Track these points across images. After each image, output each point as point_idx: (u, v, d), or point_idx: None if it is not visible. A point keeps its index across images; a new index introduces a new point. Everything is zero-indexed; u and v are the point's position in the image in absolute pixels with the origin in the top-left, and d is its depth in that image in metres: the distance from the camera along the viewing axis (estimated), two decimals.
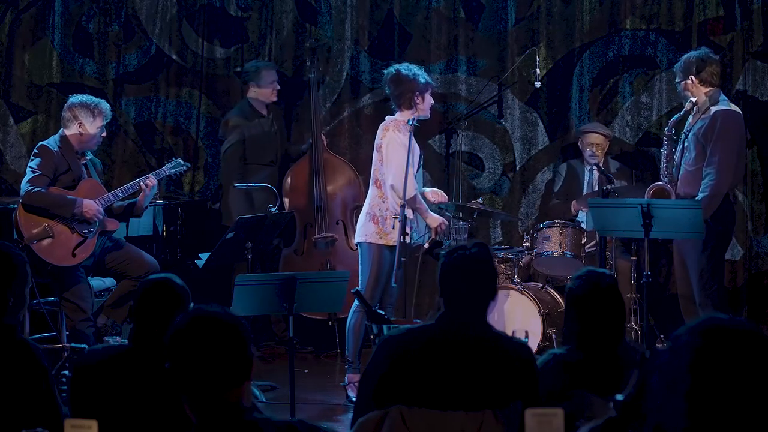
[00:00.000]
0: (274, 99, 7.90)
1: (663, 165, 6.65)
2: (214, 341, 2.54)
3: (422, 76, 6.46)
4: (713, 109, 6.41)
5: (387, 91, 6.56)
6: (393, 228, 6.26)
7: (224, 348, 2.54)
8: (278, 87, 7.89)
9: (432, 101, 6.55)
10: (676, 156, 6.62)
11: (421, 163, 6.65)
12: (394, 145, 6.31)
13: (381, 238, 6.34)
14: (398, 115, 6.46)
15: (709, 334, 2.07)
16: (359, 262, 6.48)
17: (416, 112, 6.41)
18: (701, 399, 2.01)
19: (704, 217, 6.21)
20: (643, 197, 6.64)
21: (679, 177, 6.56)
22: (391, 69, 6.54)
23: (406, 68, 6.49)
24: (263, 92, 7.83)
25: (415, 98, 6.40)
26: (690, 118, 6.55)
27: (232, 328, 2.58)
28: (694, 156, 6.45)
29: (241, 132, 7.77)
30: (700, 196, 6.35)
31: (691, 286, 6.57)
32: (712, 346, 2.05)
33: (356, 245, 6.58)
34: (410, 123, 6.26)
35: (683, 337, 2.09)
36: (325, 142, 7.81)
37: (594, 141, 7.62)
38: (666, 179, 6.62)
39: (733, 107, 6.51)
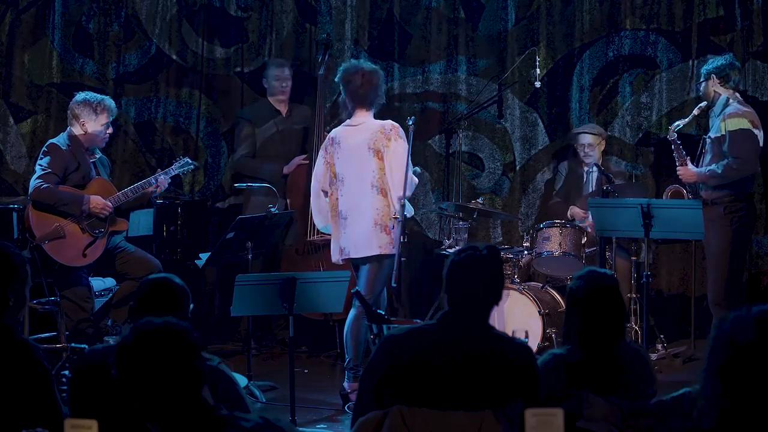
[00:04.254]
0: (281, 97, 7.90)
1: (678, 168, 6.78)
2: (162, 354, 2.54)
3: (378, 73, 6.25)
4: (727, 122, 6.54)
5: (355, 89, 6.17)
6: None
7: (173, 359, 2.54)
8: (285, 84, 7.88)
9: None
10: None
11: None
12: (400, 155, 6.08)
13: (394, 247, 6.07)
14: (363, 117, 6.21)
15: (760, 321, 2.07)
16: (367, 272, 6.15)
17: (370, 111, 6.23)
18: (736, 379, 2.01)
19: (711, 182, 6.55)
20: (642, 197, 6.70)
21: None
22: (357, 70, 6.21)
23: (362, 66, 6.26)
24: (271, 90, 7.87)
25: (379, 99, 6.23)
26: (711, 121, 6.70)
27: (179, 338, 2.57)
28: (710, 158, 6.60)
29: (253, 139, 7.81)
30: (715, 166, 6.54)
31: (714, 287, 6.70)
32: (760, 331, 2.05)
33: (364, 257, 6.16)
34: (411, 123, 6.23)
35: (730, 320, 2.09)
36: None
37: (585, 141, 7.61)
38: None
39: (745, 113, 6.61)
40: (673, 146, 6.76)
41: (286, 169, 7.76)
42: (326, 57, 7.82)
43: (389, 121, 6.22)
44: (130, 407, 3.34)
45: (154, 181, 6.84)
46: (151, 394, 2.53)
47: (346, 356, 6.17)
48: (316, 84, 7.87)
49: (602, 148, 7.66)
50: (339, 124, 6.51)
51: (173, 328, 2.58)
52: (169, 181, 6.96)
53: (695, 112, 6.73)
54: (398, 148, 6.10)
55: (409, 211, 6.24)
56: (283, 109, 7.93)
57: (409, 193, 6.12)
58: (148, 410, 2.55)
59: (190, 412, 2.53)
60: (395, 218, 6.09)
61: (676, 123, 6.82)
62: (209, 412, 2.56)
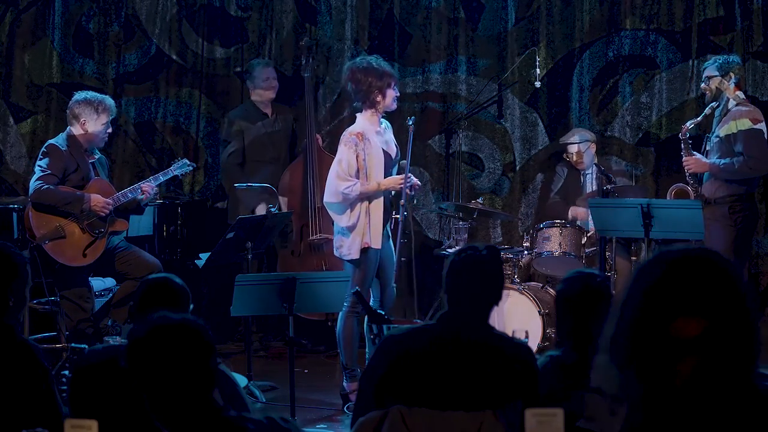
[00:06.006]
0: (271, 97, 7.86)
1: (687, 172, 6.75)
2: (178, 351, 2.51)
3: (379, 71, 6.14)
4: (738, 121, 6.50)
5: (348, 89, 6.24)
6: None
7: (189, 358, 2.51)
8: (274, 84, 7.84)
9: (396, 94, 6.21)
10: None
11: (395, 162, 6.37)
12: (334, 162, 6.09)
13: (344, 255, 6.10)
14: (361, 118, 6.18)
15: (668, 262, 2.01)
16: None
17: (378, 111, 6.17)
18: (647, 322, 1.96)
19: (722, 175, 6.51)
20: (643, 197, 6.69)
21: (705, 178, 6.65)
22: (348, 66, 6.25)
23: (364, 63, 6.22)
24: (259, 91, 7.82)
25: (375, 97, 6.13)
26: (715, 120, 6.66)
27: (197, 336, 2.55)
28: (717, 157, 6.56)
29: (242, 138, 7.76)
30: (730, 160, 6.50)
31: None
32: (668, 271, 2.00)
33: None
34: (411, 123, 6.21)
35: (642, 266, 2.04)
36: (320, 142, 7.72)
37: (573, 150, 7.58)
38: (691, 180, 6.73)
39: (751, 111, 6.60)
40: (682, 144, 6.71)
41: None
42: (310, 60, 7.80)
43: (355, 125, 6.18)
44: (131, 407, 3.35)
45: (139, 189, 6.79)
46: (162, 390, 2.51)
47: (341, 357, 6.19)
48: (303, 86, 7.87)
49: (594, 150, 7.62)
50: (339, 124, 6.52)
51: (191, 325, 2.57)
52: (155, 188, 6.88)
53: (707, 111, 6.65)
54: (339, 154, 6.09)
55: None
56: (269, 111, 7.90)
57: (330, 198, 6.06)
58: (156, 406, 2.53)
59: (199, 413, 2.52)
60: (395, 218, 6.10)
61: (690, 121, 6.76)
62: (217, 413, 2.55)
